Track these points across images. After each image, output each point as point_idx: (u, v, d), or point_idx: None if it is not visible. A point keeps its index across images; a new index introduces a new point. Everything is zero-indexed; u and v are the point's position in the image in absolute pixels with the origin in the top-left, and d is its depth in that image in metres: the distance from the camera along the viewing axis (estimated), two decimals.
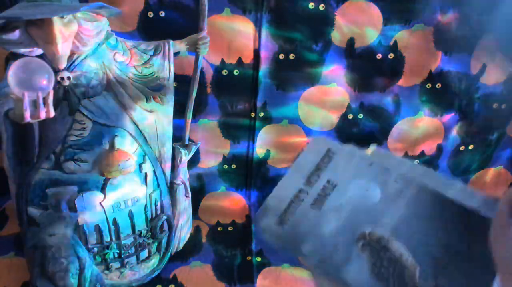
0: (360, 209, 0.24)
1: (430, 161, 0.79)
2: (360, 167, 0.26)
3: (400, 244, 0.23)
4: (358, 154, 0.27)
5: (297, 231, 0.24)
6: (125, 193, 0.58)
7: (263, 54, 0.70)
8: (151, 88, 0.60)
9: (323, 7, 0.67)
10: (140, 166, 0.60)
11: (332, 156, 0.26)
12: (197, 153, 0.76)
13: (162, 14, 0.65)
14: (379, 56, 0.71)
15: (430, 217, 0.24)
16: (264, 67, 0.71)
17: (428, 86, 0.74)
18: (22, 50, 0.48)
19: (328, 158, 0.26)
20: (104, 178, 0.56)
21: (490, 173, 0.84)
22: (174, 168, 0.67)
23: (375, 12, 0.68)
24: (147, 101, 0.59)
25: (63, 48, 0.48)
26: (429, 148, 0.79)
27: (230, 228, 0.77)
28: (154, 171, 0.62)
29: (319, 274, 0.25)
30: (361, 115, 0.77)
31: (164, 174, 0.64)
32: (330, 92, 0.75)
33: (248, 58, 0.70)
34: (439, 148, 0.79)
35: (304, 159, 0.27)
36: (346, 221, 0.24)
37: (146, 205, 0.61)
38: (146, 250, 0.64)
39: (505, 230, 0.20)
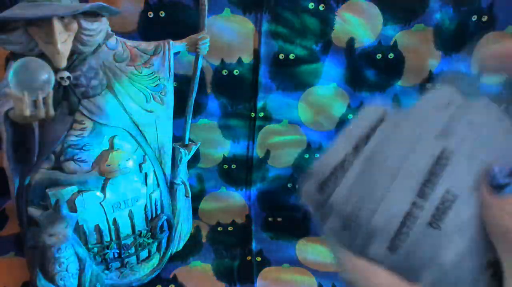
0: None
1: None
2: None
3: None
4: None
5: (412, 257, 0.19)
6: (125, 193, 0.58)
7: (263, 54, 0.70)
8: (151, 88, 0.60)
9: (323, 7, 0.67)
10: (140, 166, 0.60)
11: (449, 156, 0.20)
12: (197, 153, 0.76)
13: (162, 14, 0.66)
14: (379, 56, 0.71)
15: None
16: (264, 67, 0.71)
17: (428, 86, 0.74)
18: (22, 50, 0.48)
19: (445, 159, 0.20)
20: (104, 178, 0.56)
21: None
22: (174, 168, 0.67)
23: (375, 12, 0.68)
24: (147, 101, 0.60)
25: (63, 48, 0.48)
26: None
27: (230, 228, 0.77)
28: (154, 171, 0.62)
29: None
30: None
31: (164, 174, 0.64)
32: (330, 92, 0.75)
33: (248, 58, 0.71)
34: None
35: (412, 163, 0.20)
36: (471, 242, 0.18)
37: (146, 205, 0.61)
38: (146, 250, 0.64)
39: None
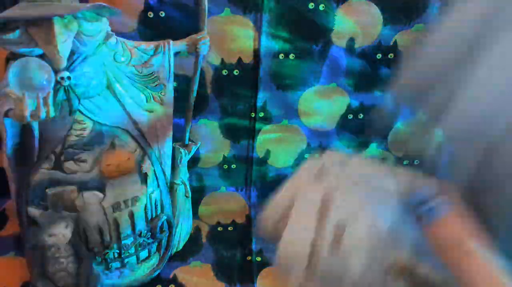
0: (376, 241, 0.23)
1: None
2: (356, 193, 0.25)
3: (425, 264, 0.22)
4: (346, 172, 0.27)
5: (328, 282, 0.24)
6: (125, 193, 0.58)
7: (263, 54, 0.70)
8: (151, 88, 0.60)
9: (323, 7, 0.67)
10: (140, 166, 0.60)
11: (329, 197, 0.26)
12: (197, 153, 0.76)
13: (162, 14, 0.66)
14: (379, 56, 0.71)
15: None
16: (264, 68, 0.71)
17: None
18: (22, 50, 0.48)
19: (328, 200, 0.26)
20: (104, 178, 0.56)
21: None
22: (174, 168, 0.67)
23: (375, 12, 0.68)
24: (147, 101, 0.60)
25: (63, 48, 0.48)
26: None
27: (230, 228, 0.77)
28: (154, 171, 0.62)
29: None
30: (361, 115, 0.77)
31: (164, 174, 0.64)
32: (330, 92, 0.75)
33: (248, 58, 0.71)
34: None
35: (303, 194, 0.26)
36: (369, 253, 0.23)
37: (146, 205, 0.61)
38: (146, 250, 0.64)
39: None
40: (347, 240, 0.23)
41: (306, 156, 0.80)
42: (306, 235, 0.24)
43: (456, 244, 0.21)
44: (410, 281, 0.22)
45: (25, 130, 0.52)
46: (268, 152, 0.79)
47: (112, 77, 0.55)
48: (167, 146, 0.64)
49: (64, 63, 0.50)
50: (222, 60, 0.70)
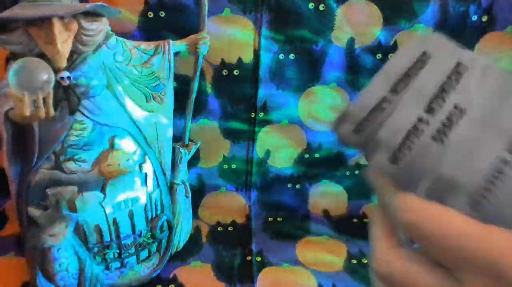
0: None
1: None
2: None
3: None
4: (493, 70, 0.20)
5: (412, 169, 0.19)
6: (125, 192, 0.58)
7: (263, 54, 0.70)
8: (151, 88, 0.60)
9: (323, 7, 0.67)
10: (140, 166, 0.60)
11: (462, 71, 0.20)
12: (197, 153, 0.76)
13: (162, 14, 0.66)
14: (379, 56, 0.71)
15: None
16: (264, 67, 0.71)
17: None
18: (22, 50, 0.48)
19: (458, 74, 0.20)
20: (104, 178, 0.56)
21: None
22: (174, 168, 0.67)
23: (375, 12, 0.68)
24: (147, 101, 0.60)
25: (63, 48, 0.48)
26: None
27: (230, 228, 0.77)
28: (154, 171, 0.62)
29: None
30: None
31: (164, 174, 0.64)
32: (330, 92, 0.75)
33: (248, 58, 0.71)
34: None
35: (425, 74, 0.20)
36: (467, 158, 0.19)
37: (146, 205, 0.61)
38: (146, 250, 0.64)
39: None
40: (457, 132, 0.19)
41: (306, 156, 0.80)
42: (412, 111, 0.19)
43: None
44: None
45: (25, 130, 0.52)
46: (268, 152, 0.79)
47: (112, 77, 0.55)
48: (167, 146, 0.64)
49: (64, 63, 0.50)
50: (222, 60, 0.70)
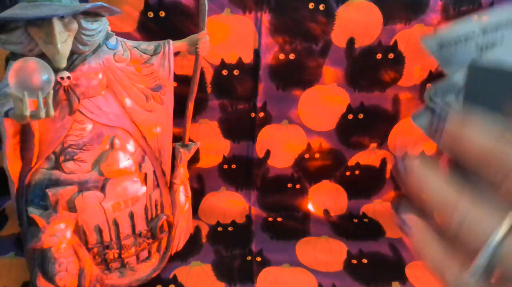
0: None
1: None
2: None
3: None
4: None
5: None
6: (125, 193, 0.58)
7: (263, 54, 0.70)
8: (151, 88, 0.60)
9: (323, 7, 0.67)
10: (140, 166, 0.60)
11: None
12: (197, 152, 0.76)
13: (162, 14, 0.66)
14: (379, 56, 0.71)
15: None
16: (264, 67, 0.71)
17: (428, 86, 0.74)
18: (22, 50, 0.48)
19: None
20: (104, 178, 0.56)
21: None
22: (174, 168, 0.67)
23: (375, 12, 0.68)
24: (147, 101, 0.60)
25: (63, 48, 0.48)
26: (430, 148, 0.79)
27: (230, 228, 0.77)
28: (154, 171, 0.62)
29: None
30: (361, 115, 0.77)
31: (164, 174, 0.64)
32: (330, 92, 0.75)
33: (248, 58, 0.71)
34: (440, 148, 0.79)
35: None
36: None
37: (146, 205, 0.61)
38: (146, 250, 0.64)
39: None
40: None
41: (306, 156, 0.80)
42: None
43: None
44: None
45: (25, 130, 0.52)
46: (268, 152, 0.79)
47: (112, 77, 0.55)
48: (167, 146, 0.64)
49: (64, 63, 0.50)
50: (222, 60, 0.70)
